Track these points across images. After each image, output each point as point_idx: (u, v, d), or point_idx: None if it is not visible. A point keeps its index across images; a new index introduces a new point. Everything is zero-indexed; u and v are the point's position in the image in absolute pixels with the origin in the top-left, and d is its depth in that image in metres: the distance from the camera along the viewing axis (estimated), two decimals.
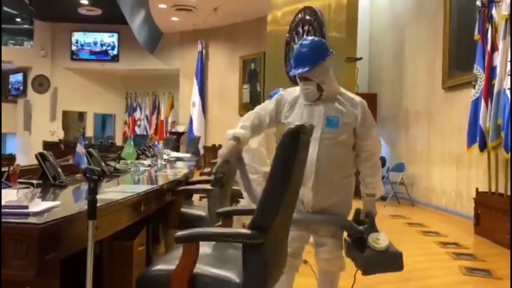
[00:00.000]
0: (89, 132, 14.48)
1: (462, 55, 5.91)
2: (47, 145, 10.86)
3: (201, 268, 1.51)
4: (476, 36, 5.02)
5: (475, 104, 4.90)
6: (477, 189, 5.01)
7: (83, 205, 1.56)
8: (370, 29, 8.65)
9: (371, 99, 8.25)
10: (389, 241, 2.10)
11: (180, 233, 1.45)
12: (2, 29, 14.58)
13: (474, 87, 4.94)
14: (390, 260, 2.09)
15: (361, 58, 7.59)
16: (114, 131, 15.10)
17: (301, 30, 8.61)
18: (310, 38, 2.19)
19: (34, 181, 1.92)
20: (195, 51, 12.13)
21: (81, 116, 14.77)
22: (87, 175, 1.15)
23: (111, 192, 1.99)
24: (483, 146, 4.75)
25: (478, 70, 4.88)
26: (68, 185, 2.09)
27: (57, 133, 12.82)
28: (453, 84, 6.08)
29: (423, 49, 7.02)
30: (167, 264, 1.59)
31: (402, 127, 7.53)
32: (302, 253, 2.31)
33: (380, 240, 2.08)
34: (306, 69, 2.05)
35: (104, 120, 15.68)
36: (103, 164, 2.76)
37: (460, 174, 5.92)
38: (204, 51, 12.14)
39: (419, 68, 7.11)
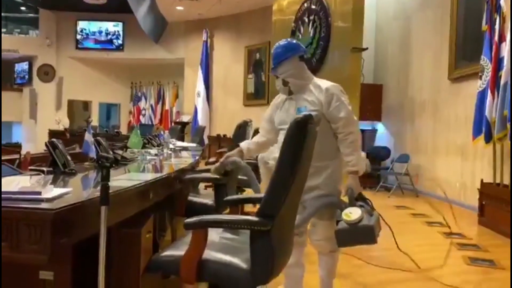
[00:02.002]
0: (94, 121, 14.53)
1: (469, 45, 5.87)
2: (52, 133, 10.92)
3: (209, 254, 1.55)
4: (484, 26, 4.98)
5: (481, 95, 4.89)
6: (482, 180, 5.01)
7: (92, 192, 1.59)
8: (376, 18, 8.59)
9: (377, 90, 8.25)
10: (363, 215, 2.15)
11: (189, 219, 1.48)
12: (7, 18, 14.64)
13: (480, 78, 4.92)
14: (362, 233, 2.14)
15: (366, 48, 7.54)
16: (119, 120, 15.15)
17: (306, 20, 8.57)
18: (283, 40, 2.43)
19: (45, 168, 1.95)
20: (200, 40, 12.11)
21: (86, 105, 14.82)
22: (100, 162, 1.17)
23: (120, 180, 2.03)
24: (488, 138, 4.75)
25: (485, 61, 4.85)
26: (77, 173, 2.13)
27: (62, 122, 12.90)
28: (459, 75, 6.05)
29: (429, 40, 6.98)
30: (176, 250, 1.62)
31: (408, 118, 7.51)
32: (305, 231, 2.40)
33: (352, 213, 2.14)
34: (272, 67, 2.36)
35: (109, 110, 15.74)
36: (111, 152, 2.79)
37: (465, 165, 5.92)
38: (209, 41, 12.11)
39: (425, 58, 7.08)
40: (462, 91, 6.02)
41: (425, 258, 3.51)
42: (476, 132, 4.99)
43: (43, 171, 1.91)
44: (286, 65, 2.33)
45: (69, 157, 2.21)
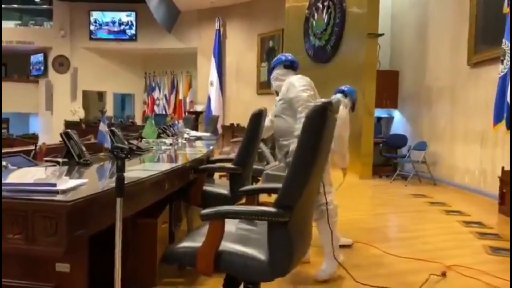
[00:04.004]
0: (109, 111, 14.62)
1: (490, 29, 5.69)
2: (68, 124, 11.05)
3: (226, 245, 1.52)
4: (505, 9, 4.80)
5: (503, 80, 4.73)
6: (503, 168, 4.89)
7: (107, 183, 1.57)
8: (392, 3, 8.39)
9: (393, 77, 8.09)
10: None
11: (206, 210, 1.45)
12: (22, 10, 14.73)
13: (502, 62, 4.76)
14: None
15: (382, 34, 7.41)
16: (133, 110, 15.23)
17: (320, 6, 8.43)
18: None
19: (60, 159, 1.94)
20: (212, 29, 12.03)
21: (101, 95, 14.92)
22: (115, 153, 1.14)
23: (135, 170, 2.01)
24: (510, 124, 4.61)
25: (506, 45, 4.69)
26: (92, 163, 2.11)
27: (78, 113, 13.01)
28: (479, 59, 5.88)
29: (447, 24, 6.79)
30: (192, 241, 1.59)
31: (425, 105, 7.36)
32: None
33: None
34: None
35: (123, 100, 15.82)
36: (126, 142, 2.78)
37: (484, 152, 5.78)
38: (221, 29, 12.03)
39: (443, 43, 6.89)
40: (482, 76, 5.85)
41: (444, 248, 3.45)
42: (497, 118, 4.85)
43: (58, 162, 1.90)
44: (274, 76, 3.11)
45: (83, 148, 2.20)
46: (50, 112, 14.12)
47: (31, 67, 14.82)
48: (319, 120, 1.44)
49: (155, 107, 14.38)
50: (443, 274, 2.80)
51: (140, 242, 2.37)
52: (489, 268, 2.91)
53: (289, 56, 3.15)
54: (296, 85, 2.80)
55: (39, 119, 14.71)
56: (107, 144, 2.55)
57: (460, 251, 3.36)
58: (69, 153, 2.11)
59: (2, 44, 11.41)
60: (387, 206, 5.37)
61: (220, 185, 2.95)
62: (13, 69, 15.10)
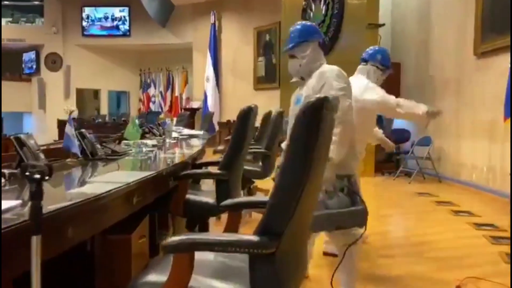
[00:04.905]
0: (104, 110, 14.32)
1: (498, 16, 5.34)
2: (61, 123, 10.73)
3: (198, 280, 1.20)
4: None
5: None
6: None
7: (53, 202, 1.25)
8: None
9: (394, 69, 7.67)
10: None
11: (169, 240, 1.13)
12: (13, 7, 14.37)
13: None
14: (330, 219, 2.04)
15: (383, 25, 7.09)
16: (128, 108, 14.90)
17: None
18: (302, 22, 2.47)
19: (7, 171, 1.62)
20: (207, 23, 11.68)
21: (96, 94, 14.59)
22: (27, 174, 0.82)
23: (96, 182, 1.69)
24: None
25: None
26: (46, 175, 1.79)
27: (73, 113, 12.65)
28: (486, 49, 5.54)
29: (452, 11, 6.44)
30: (160, 273, 1.28)
31: (428, 98, 7.01)
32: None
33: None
34: (290, 45, 2.32)
35: (118, 98, 15.49)
36: (98, 146, 2.47)
37: (494, 148, 5.46)
38: (217, 23, 11.67)
39: (448, 33, 6.55)
40: (491, 67, 5.52)
41: (457, 256, 3.14)
42: (508, 112, 4.53)
43: (4, 176, 1.58)
44: (306, 47, 2.30)
45: (42, 156, 1.89)
46: (43, 111, 13.80)
47: (23, 65, 14.48)
48: (312, 121, 1.12)
49: (151, 105, 14.06)
50: None
51: (112, 261, 2.06)
52: (507, 281, 2.60)
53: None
54: (334, 86, 2.17)
55: (32, 118, 14.40)
56: (74, 149, 2.24)
57: (476, 259, 3.05)
58: (23, 161, 1.80)
59: None
60: (391, 207, 5.06)
61: (206, 192, 2.63)
62: (5, 68, 14.75)
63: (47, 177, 0.86)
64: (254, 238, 1.10)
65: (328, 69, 2.24)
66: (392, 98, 2.99)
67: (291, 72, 2.38)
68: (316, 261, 2.53)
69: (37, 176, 0.83)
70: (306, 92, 2.24)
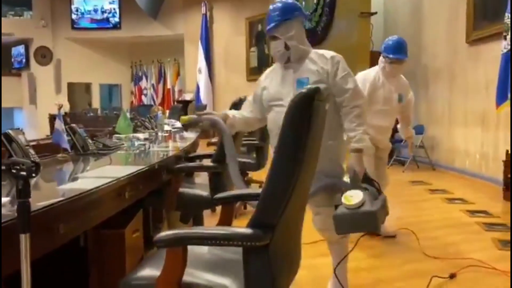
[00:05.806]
0: (96, 103, 14.19)
1: (490, 3, 5.33)
2: (53, 118, 10.62)
3: (192, 274, 1.20)
4: None
5: (506, 58, 4.40)
6: (507, 151, 4.59)
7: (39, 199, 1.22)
8: None
9: None
10: (365, 199, 1.81)
11: (161, 235, 1.12)
12: (1, 0, 14.12)
13: (505, 38, 4.42)
14: (363, 220, 1.81)
15: (375, 13, 7.05)
16: (120, 101, 14.77)
17: None
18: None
19: None
20: (199, 14, 11.56)
21: (88, 87, 14.44)
22: (14, 171, 0.80)
23: (88, 178, 1.67)
24: None
25: (509, 19, 4.36)
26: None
27: (64, 107, 12.54)
28: (479, 36, 5.53)
29: None
30: (154, 267, 1.27)
31: (421, 86, 7.03)
32: None
33: (353, 197, 1.82)
34: (272, 25, 2.05)
35: (110, 91, 15.34)
36: (89, 141, 2.44)
37: (486, 135, 5.49)
38: (208, 14, 11.56)
39: (440, 20, 6.53)
40: (483, 54, 5.52)
41: (452, 242, 3.16)
42: (500, 99, 4.53)
43: None
44: (289, 26, 2.05)
45: (32, 151, 1.86)
46: (34, 106, 13.63)
47: (12, 60, 14.27)
48: (305, 112, 1.11)
49: (143, 97, 13.95)
50: (452, 277, 2.51)
51: (106, 256, 2.06)
52: (502, 266, 2.62)
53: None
54: (350, 71, 2.06)
55: (23, 113, 14.23)
56: (64, 144, 2.21)
57: (470, 245, 3.07)
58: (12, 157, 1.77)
59: None
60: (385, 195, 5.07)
61: (200, 185, 2.62)
62: None
63: (34, 174, 0.83)
64: (248, 230, 1.09)
65: (335, 54, 2.09)
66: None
67: (275, 54, 2.12)
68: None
69: (23, 173, 0.80)
70: (317, 76, 2.01)
